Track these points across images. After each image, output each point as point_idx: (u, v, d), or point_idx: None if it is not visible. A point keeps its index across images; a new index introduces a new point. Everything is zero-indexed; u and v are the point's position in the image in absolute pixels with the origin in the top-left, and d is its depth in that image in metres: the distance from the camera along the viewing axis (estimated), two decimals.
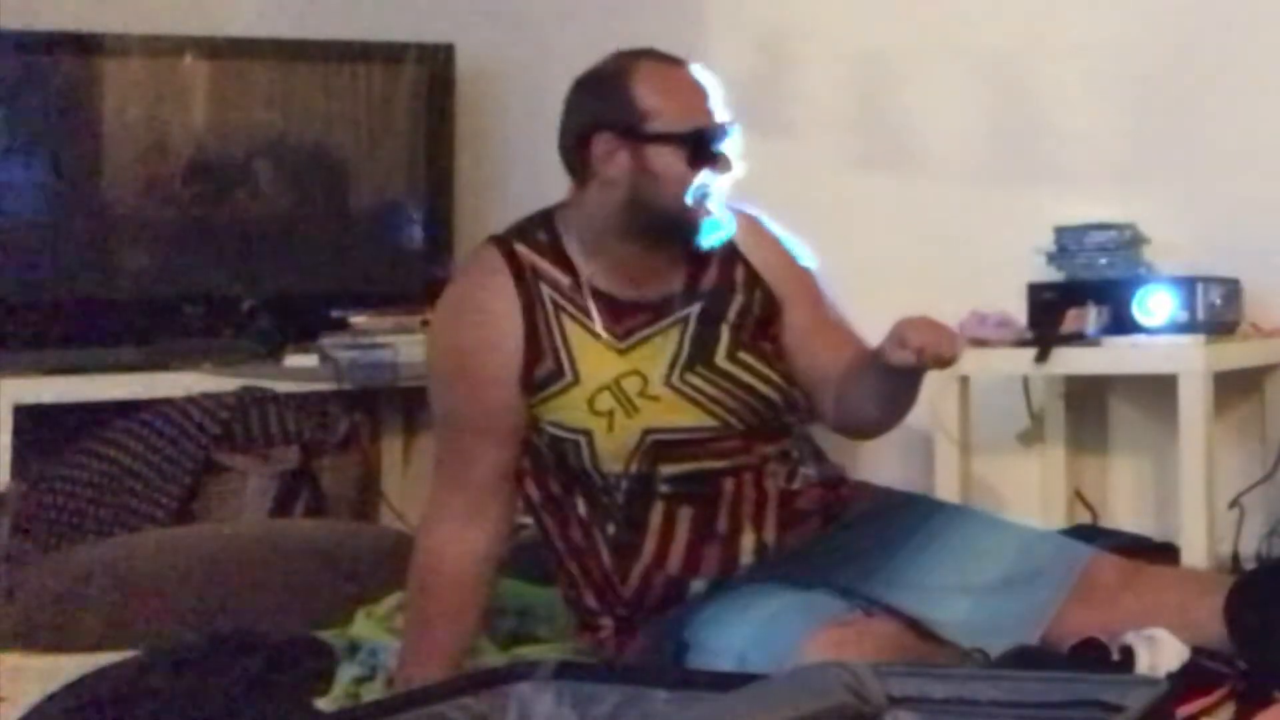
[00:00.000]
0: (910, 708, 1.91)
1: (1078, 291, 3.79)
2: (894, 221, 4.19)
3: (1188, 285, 3.69)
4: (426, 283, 4.53)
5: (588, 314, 2.59)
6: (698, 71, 2.60)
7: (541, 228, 2.65)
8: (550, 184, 4.91)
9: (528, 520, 4.18)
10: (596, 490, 2.62)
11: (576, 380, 2.57)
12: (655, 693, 2.12)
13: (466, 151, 4.63)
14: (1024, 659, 2.51)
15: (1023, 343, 3.76)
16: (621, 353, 2.59)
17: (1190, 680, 2.47)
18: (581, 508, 2.64)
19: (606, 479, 2.60)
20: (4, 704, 2.99)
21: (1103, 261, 3.86)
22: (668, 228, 2.58)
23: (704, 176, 2.55)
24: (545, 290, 2.60)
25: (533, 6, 4.71)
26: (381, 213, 4.58)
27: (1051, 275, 3.91)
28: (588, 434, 2.57)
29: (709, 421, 2.59)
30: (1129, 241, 3.88)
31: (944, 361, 2.42)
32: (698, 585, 2.60)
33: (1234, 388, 3.79)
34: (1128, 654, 2.54)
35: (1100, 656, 2.55)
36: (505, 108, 4.73)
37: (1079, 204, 3.97)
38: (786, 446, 2.68)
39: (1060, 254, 3.91)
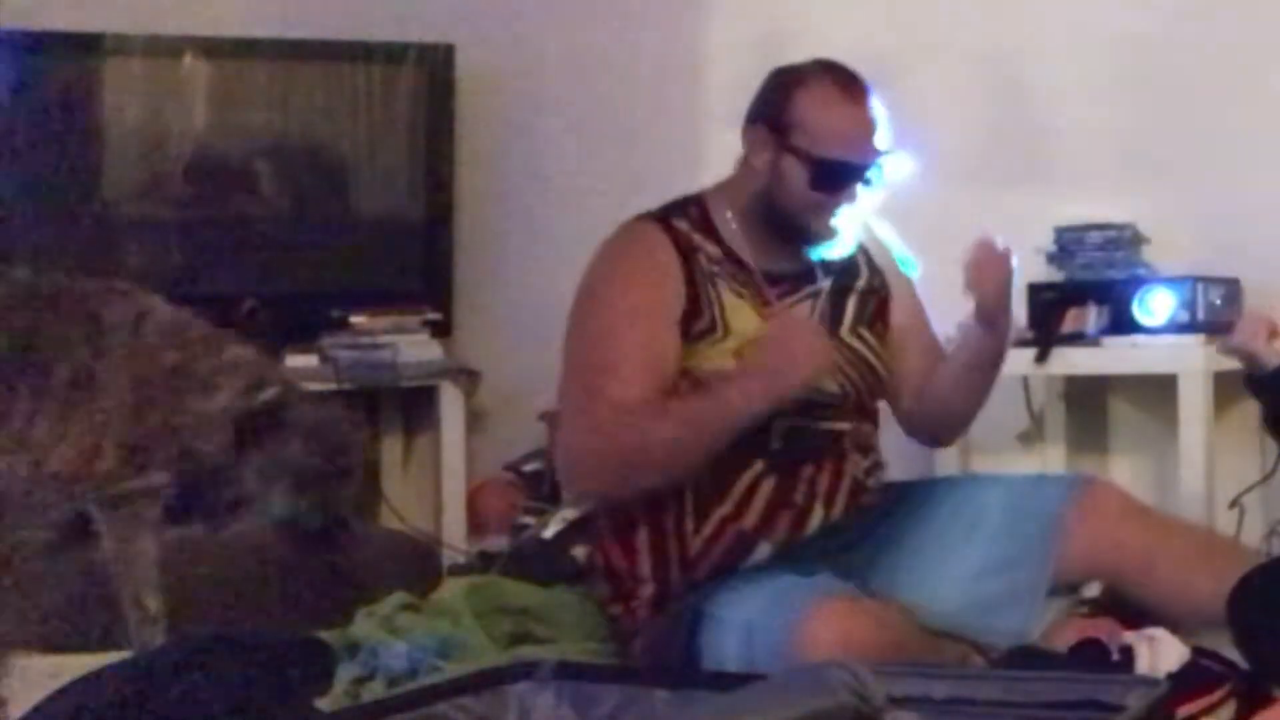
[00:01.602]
0: (911, 708, 1.91)
1: (1078, 291, 3.80)
2: (893, 221, 4.19)
3: (1188, 285, 3.69)
4: (426, 283, 4.55)
5: (736, 280, 2.74)
6: (868, 103, 2.72)
7: (691, 205, 2.80)
8: (551, 184, 4.92)
9: (528, 521, 4.22)
10: None
11: (727, 334, 2.71)
12: (655, 693, 2.12)
13: (466, 151, 4.63)
14: (1024, 659, 2.52)
15: (1023, 343, 3.76)
16: (766, 317, 2.74)
17: (1190, 680, 2.47)
18: None
19: None
20: (5, 704, 3.00)
21: (1103, 261, 3.86)
22: (787, 229, 2.75)
23: (828, 199, 2.71)
24: (699, 257, 2.74)
25: (533, 6, 4.71)
26: (381, 213, 4.58)
27: (1051, 275, 3.91)
28: None
29: (832, 386, 2.74)
30: (1129, 241, 3.88)
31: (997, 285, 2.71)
32: (763, 549, 2.70)
33: (1234, 388, 3.77)
34: (1128, 654, 2.54)
35: (1100, 656, 2.55)
36: (505, 108, 4.72)
37: (1079, 204, 3.97)
38: (874, 440, 2.85)
39: (1060, 254, 3.91)
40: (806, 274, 2.79)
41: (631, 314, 2.68)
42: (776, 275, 2.77)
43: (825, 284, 2.79)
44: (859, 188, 2.71)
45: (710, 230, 2.76)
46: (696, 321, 2.70)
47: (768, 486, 2.70)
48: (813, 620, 2.45)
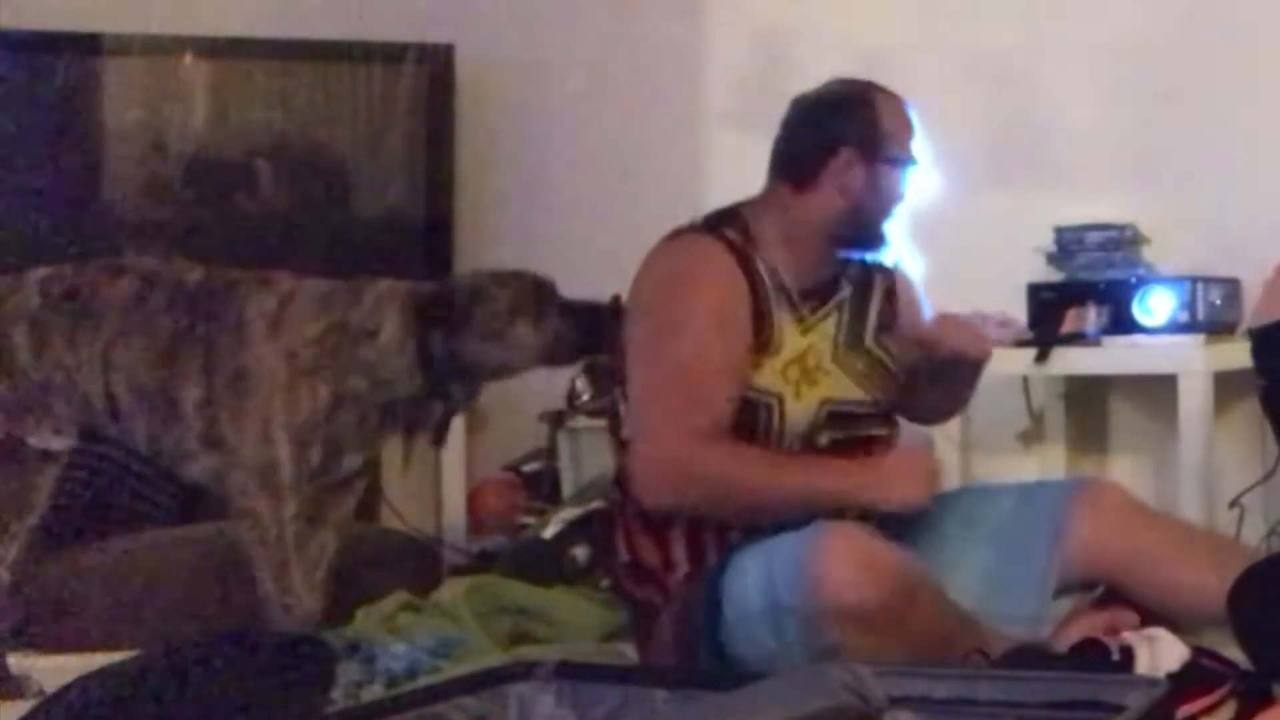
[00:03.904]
0: (911, 708, 1.91)
1: (1078, 291, 3.79)
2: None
3: (1188, 285, 3.69)
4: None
5: (782, 295, 2.77)
6: (909, 107, 2.87)
7: (732, 224, 2.81)
8: (551, 184, 4.92)
9: (528, 521, 4.21)
10: None
11: (778, 350, 2.75)
12: (655, 693, 2.13)
13: (466, 151, 4.63)
14: (1024, 659, 2.52)
15: (1023, 343, 3.76)
16: (803, 333, 2.79)
17: (1190, 680, 2.47)
18: None
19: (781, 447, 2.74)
20: (4, 703, 3.01)
21: (1103, 261, 3.86)
22: (869, 236, 2.82)
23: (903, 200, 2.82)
24: (758, 271, 2.77)
25: (533, 6, 4.71)
26: (381, 213, 4.58)
27: (1051, 275, 3.91)
28: (779, 398, 2.74)
29: (864, 396, 2.82)
30: (1129, 241, 3.88)
31: (975, 361, 2.85)
32: None
33: (1234, 388, 3.78)
34: (1128, 654, 2.54)
35: (1100, 656, 2.56)
36: (505, 108, 4.73)
37: (1079, 204, 3.97)
38: (894, 446, 2.88)
39: (1060, 254, 3.91)
40: (831, 284, 2.83)
41: (712, 331, 2.70)
42: (808, 290, 2.80)
43: (846, 293, 2.84)
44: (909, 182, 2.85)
45: (756, 246, 2.79)
46: (757, 335, 2.74)
47: None
48: (829, 537, 2.51)
